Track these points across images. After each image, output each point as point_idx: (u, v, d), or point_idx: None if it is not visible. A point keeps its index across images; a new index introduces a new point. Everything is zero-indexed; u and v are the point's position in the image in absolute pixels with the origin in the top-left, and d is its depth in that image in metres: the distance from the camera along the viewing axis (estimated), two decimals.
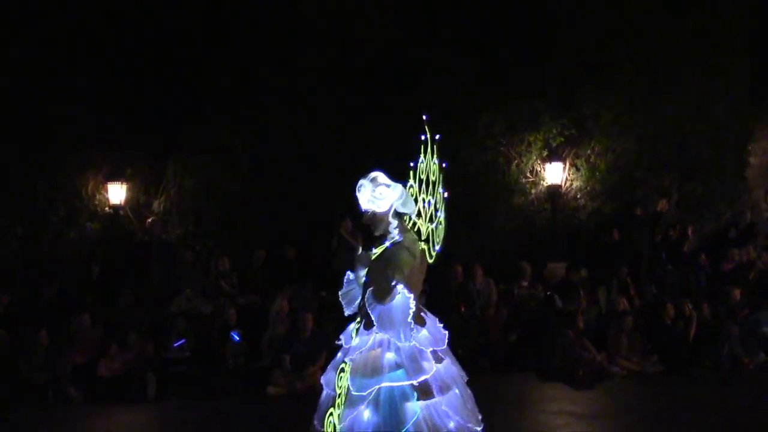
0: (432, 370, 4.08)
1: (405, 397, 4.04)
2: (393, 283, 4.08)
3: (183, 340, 9.56)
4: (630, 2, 12.91)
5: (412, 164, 4.28)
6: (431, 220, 4.37)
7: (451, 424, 4.03)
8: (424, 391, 4.03)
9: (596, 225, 12.69)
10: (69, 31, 12.08)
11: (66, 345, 9.38)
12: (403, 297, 4.11)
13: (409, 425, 3.98)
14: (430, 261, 4.42)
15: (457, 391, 4.17)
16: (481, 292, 10.74)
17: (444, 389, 4.09)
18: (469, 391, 4.30)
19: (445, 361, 4.20)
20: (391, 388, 4.05)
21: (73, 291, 11.01)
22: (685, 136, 13.07)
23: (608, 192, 12.78)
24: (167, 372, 9.22)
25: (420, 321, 4.24)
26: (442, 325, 4.46)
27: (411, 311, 4.09)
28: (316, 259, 11.13)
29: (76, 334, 9.53)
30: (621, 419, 7.48)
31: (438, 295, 9.58)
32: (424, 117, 4.25)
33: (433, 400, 4.04)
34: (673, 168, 13.08)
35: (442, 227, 4.43)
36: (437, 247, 4.41)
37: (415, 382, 4.03)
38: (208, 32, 12.32)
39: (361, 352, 4.20)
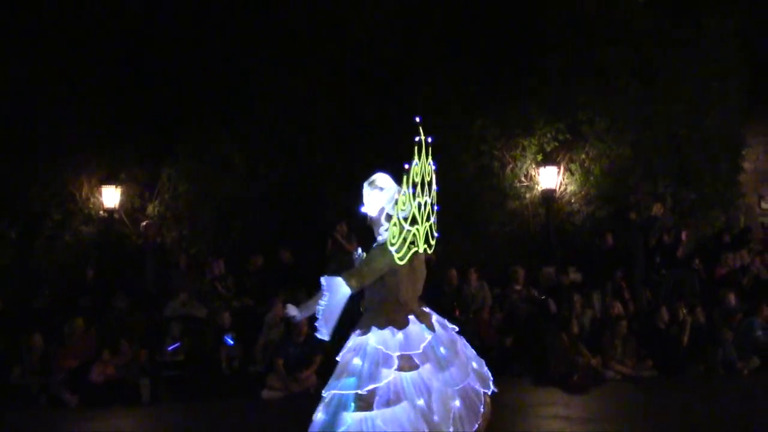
0: (388, 378, 4.02)
1: (344, 406, 4.04)
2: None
3: (177, 344, 9.56)
4: (627, 9, 12.96)
5: (406, 166, 4.25)
6: (428, 218, 4.36)
7: None
8: (365, 402, 4.00)
9: (591, 229, 12.72)
10: (65, 35, 12.08)
11: (60, 349, 9.35)
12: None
13: None
14: (430, 251, 4.37)
15: (421, 402, 4.01)
16: (475, 296, 10.76)
17: (391, 402, 3.99)
18: (451, 403, 4.10)
19: (421, 369, 4.09)
20: (340, 396, 4.07)
21: (68, 295, 10.99)
22: (679, 141, 13.10)
23: (603, 196, 12.80)
24: (162, 376, 9.21)
25: (400, 324, 4.23)
26: (453, 327, 4.44)
27: (320, 308, 4.12)
28: (311, 264, 11.12)
29: (70, 338, 9.50)
30: (615, 423, 7.48)
31: (432, 299, 9.57)
32: (417, 119, 4.25)
33: (369, 413, 3.98)
34: (667, 173, 13.10)
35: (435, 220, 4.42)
36: (436, 234, 4.37)
37: (361, 392, 4.01)
38: (204, 37, 12.33)
39: (344, 353, 4.25)
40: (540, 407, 8.07)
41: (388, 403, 3.98)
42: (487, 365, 4.54)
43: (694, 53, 12.98)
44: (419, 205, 4.24)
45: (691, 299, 11.01)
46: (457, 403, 4.12)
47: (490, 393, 4.34)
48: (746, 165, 14.17)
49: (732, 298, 10.71)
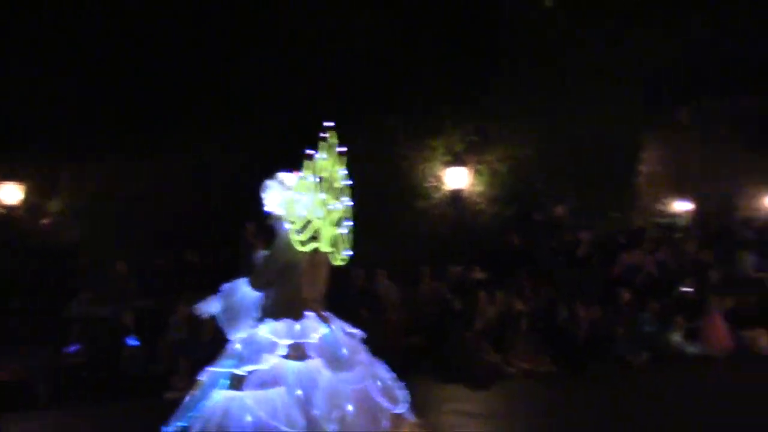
0: (270, 362, 4.12)
1: (214, 384, 4.19)
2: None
3: (78, 345, 9.33)
4: (534, 15, 13.33)
5: (308, 152, 4.27)
6: (338, 225, 4.41)
7: (248, 418, 3.96)
8: (238, 382, 4.11)
9: (497, 229, 13.02)
10: None
11: None
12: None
13: (196, 409, 4.15)
14: (341, 263, 4.47)
15: (300, 392, 4.05)
16: (383, 296, 10.87)
17: (266, 384, 4.06)
18: (342, 404, 4.12)
19: (311, 361, 4.17)
20: (217, 375, 4.22)
21: None
22: (582, 145, 13.55)
23: (509, 197, 13.13)
24: (62, 378, 8.97)
25: (296, 316, 4.32)
26: (358, 333, 4.53)
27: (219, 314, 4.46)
28: (217, 264, 11.01)
29: None
30: (515, 419, 7.69)
31: (339, 299, 9.62)
32: (330, 124, 4.31)
33: (239, 392, 4.08)
34: (570, 175, 13.55)
35: (350, 235, 4.49)
36: (346, 252, 4.46)
37: (238, 371, 4.11)
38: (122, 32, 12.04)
39: (234, 339, 4.42)
40: (442, 403, 8.19)
41: (262, 385, 4.06)
42: (393, 364, 4.60)
43: (597, 58, 13.46)
44: (324, 201, 4.29)
45: (588, 297, 11.42)
46: (350, 407, 4.14)
47: (396, 411, 4.38)
48: (643, 169, 14.81)
49: (625, 296, 11.19)
